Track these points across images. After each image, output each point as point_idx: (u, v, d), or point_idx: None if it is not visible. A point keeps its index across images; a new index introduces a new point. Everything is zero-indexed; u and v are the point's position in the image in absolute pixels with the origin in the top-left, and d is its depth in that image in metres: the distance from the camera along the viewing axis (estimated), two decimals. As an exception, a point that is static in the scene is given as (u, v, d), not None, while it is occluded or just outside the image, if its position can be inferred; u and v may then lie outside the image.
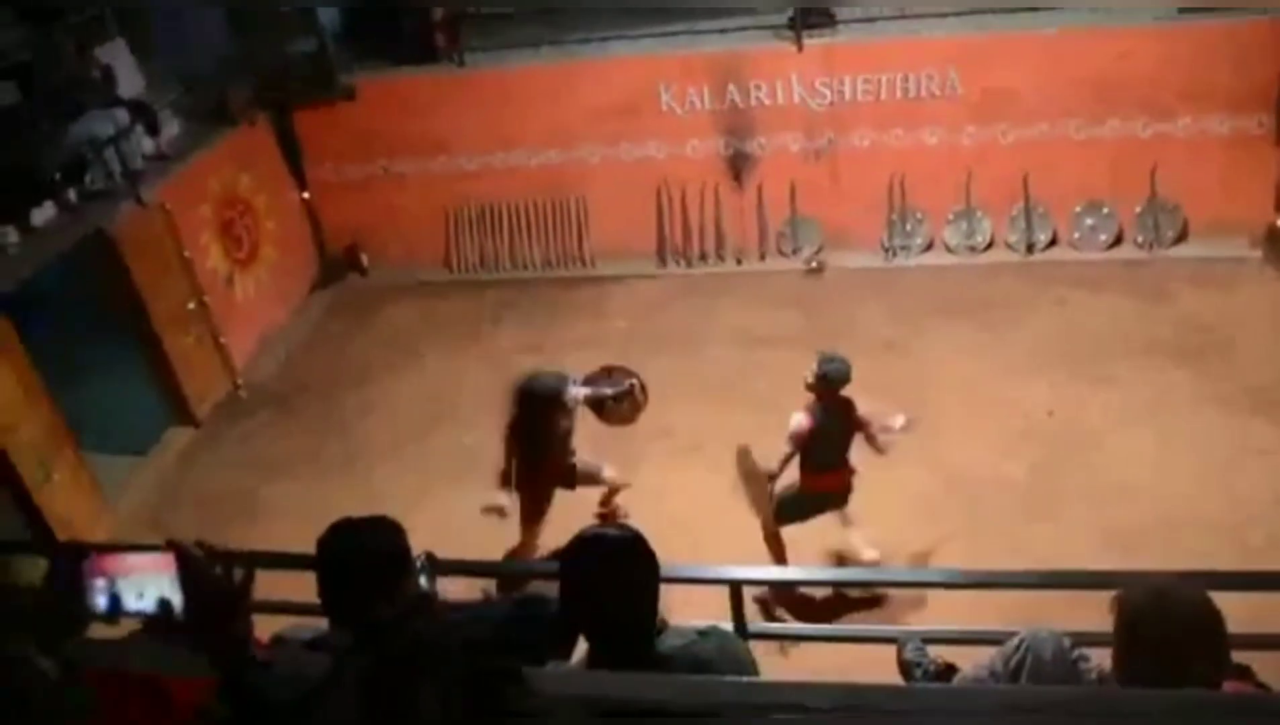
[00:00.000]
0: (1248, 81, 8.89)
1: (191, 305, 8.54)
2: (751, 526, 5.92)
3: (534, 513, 6.01)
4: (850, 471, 5.84)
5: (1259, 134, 9.00)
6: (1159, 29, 8.96)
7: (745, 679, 2.19)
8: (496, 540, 5.93)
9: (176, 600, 1.76)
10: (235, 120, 9.44)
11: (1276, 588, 3.82)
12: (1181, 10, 8.96)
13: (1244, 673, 2.43)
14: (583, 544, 2.28)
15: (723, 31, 9.63)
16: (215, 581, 1.78)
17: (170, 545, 1.78)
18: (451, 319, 9.73)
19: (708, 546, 6.00)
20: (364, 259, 10.60)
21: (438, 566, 3.18)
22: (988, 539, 6.30)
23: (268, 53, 9.58)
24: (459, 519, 6.18)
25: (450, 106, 9.87)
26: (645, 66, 9.57)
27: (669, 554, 2.41)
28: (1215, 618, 2.30)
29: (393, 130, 10.05)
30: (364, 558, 2.33)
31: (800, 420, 5.53)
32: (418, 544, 2.51)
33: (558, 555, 2.34)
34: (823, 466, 5.70)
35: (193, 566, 1.77)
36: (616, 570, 2.22)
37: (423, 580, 2.84)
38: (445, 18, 9.79)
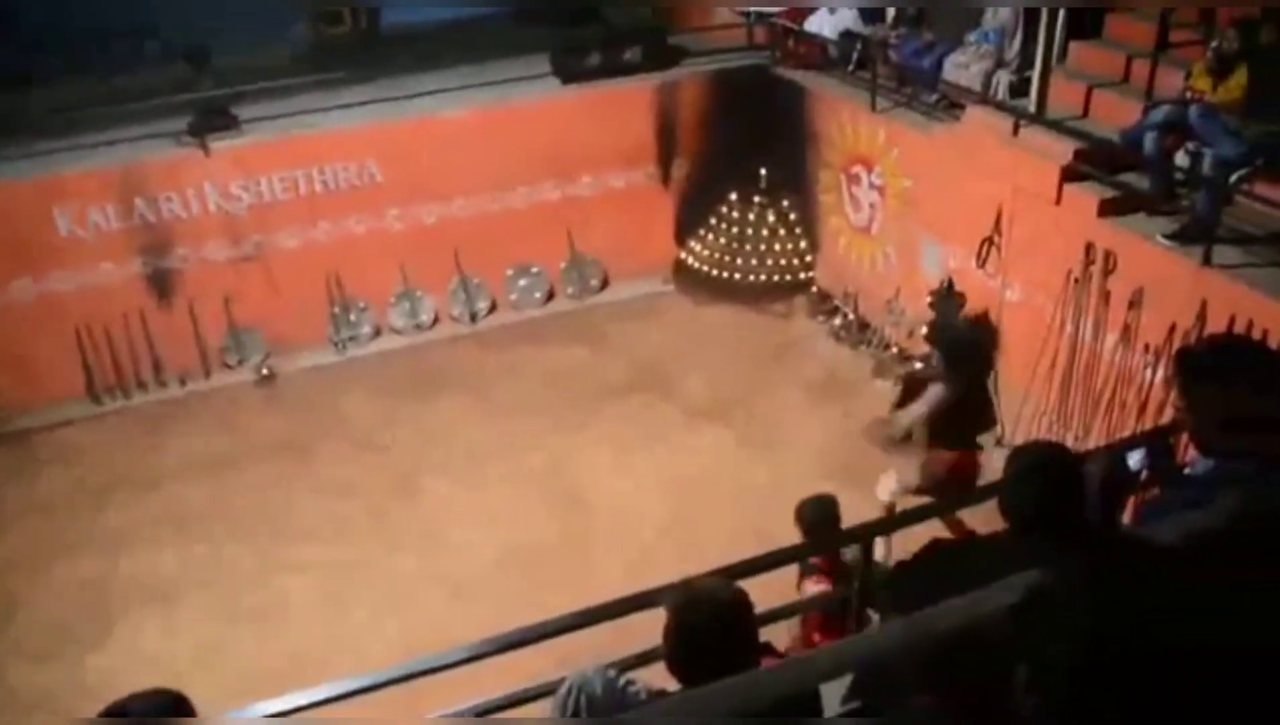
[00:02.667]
0: (633, 139, 10.72)
1: None
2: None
3: None
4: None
5: (648, 184, 10.88)
6: (550, 101, 10.51)
7: None
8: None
9: None
10: None
11: (780, 565, 4.45)
12: (565, 82, 10.64)
13: (769, 649, 2.91)
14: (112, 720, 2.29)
15: (119, 143, 9.73)
16: None
17: None
18: None
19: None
20: None
21: None
22: (525, 600, 6.60)
23: None
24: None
25: None
26: (30, 190, 9.26)
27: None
28: (745, 604, 2.67)
29: None
30: None
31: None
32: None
33: None
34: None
35: None
36: None
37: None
38: None
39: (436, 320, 10.62)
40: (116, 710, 2.29)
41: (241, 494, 8.48)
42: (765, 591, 3.80)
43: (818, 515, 5.50)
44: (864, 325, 9.85)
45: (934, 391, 6.34)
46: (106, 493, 8.63)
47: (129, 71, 11.03)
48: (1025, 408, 7.84)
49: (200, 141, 9.71)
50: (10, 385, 9.68)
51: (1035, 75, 8.02)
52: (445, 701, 4.73)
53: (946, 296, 7.99)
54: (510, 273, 10.72)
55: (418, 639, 6.37)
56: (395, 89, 10.48)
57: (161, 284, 9.93)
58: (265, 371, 10.08)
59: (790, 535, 5.48)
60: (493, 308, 10.76)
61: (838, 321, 10.06)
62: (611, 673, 3.06)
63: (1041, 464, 2.75)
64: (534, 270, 10.77)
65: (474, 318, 10.64)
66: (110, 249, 9.70)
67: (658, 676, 3.11)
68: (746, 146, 10.46)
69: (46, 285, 9.62)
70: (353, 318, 10.36)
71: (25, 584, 7.68)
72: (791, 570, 4.74)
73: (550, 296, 10.89)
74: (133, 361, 9.98)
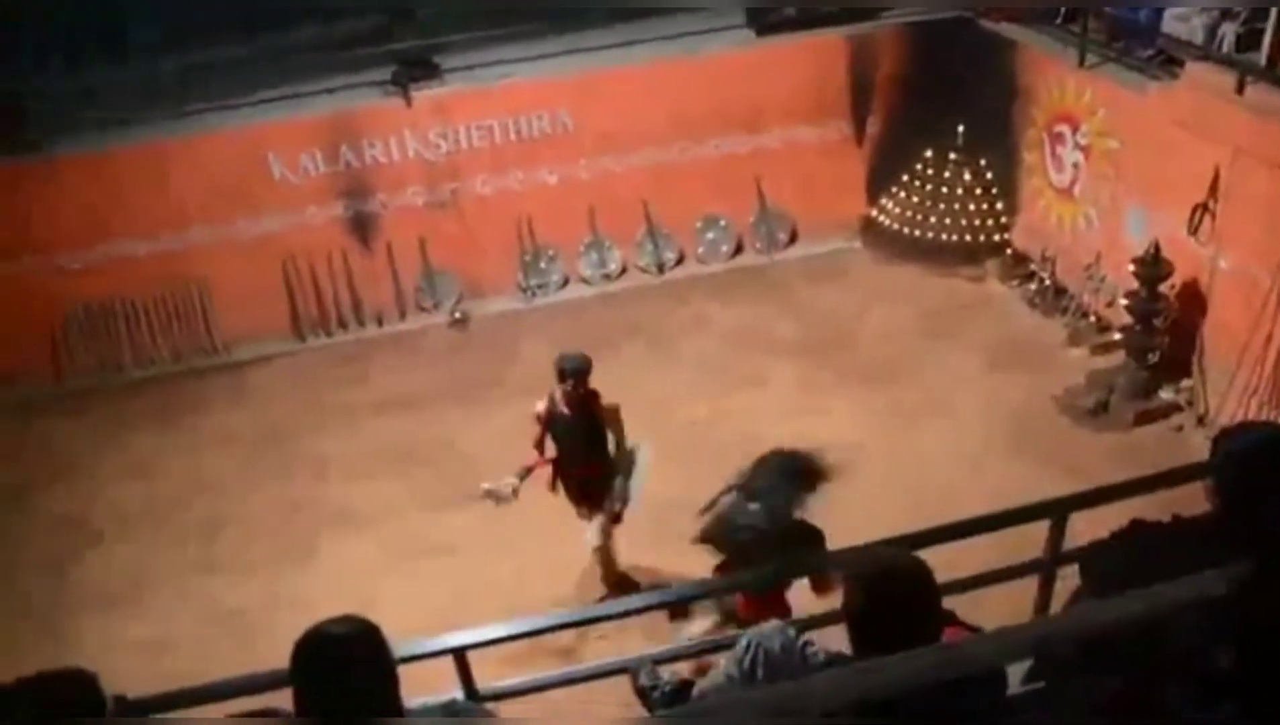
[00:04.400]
0: (826, 93, 10.56)
1: None
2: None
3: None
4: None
5: (841, 138, 10.71)
6: (742, 53, 10.44)
7: None
8: (193, 664, 5.79)
9: None
10: None
11: (963, 536, 4.43)
12: (759, 34, 10.56)
13: (953, 619, 2.82)
14: (310, 643, 2.39)
15: (328, 92, 10.18)
16: None
17: None
18: (70, 435, 9.36)
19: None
20: (-46, 382, 10.21)
21: (131, 709, 3.28)
22: (687, 553, 6.73)
23: None
24: (138, 647, 6.51)
25: (36, 200, 9.59)
26: (251, 136, 9.86)
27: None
28: (930, 575, 2.59)
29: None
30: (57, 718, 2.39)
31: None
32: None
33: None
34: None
35: None
36: (351, 666, 2.35)
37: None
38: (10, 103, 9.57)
39: (624, 270, 10.77)
40: (316, 632, 2.41)
41: (427, 432, 8.77)
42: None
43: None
44: (1060, 291, 9.48)
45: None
46: (306, 425, 9.11)
47: (334, 22, 11.39)
48: (1233, 386, 7.44)
49: (403, 91, 10.05)
50: (228, 318, 10.35)
51: (1269, 26, 7.47)
52: (614, 650, 4.85)
53: (1152, 262, 7.67)
54: (699, 225, 10.76)
55: (581, 583, 6.58)
56: (589, 40, 10.56)
57: (362, 227, 10.39)
58: (458, 315, 10.44)
59: (965, 507, 5.36)
60: (680, 259, 10.84)
61: (1032, 286, 9.71)
62: (791, 632, 3.08)
63: (1253, 448, 2.64)
64: (722, 223, 10.78)
65: (661, 269, 10.75)
66: (317, 193, 10.19)
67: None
68: (945, 102, 10.14)
69: (261, 226, 10.19)
70: (542, 265, 10.61)
71: (228, 506, 8.21)
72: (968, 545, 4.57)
73: (738, 250, 10.88)
74: (335, 301, 10.50)
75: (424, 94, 10.09)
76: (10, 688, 2.41)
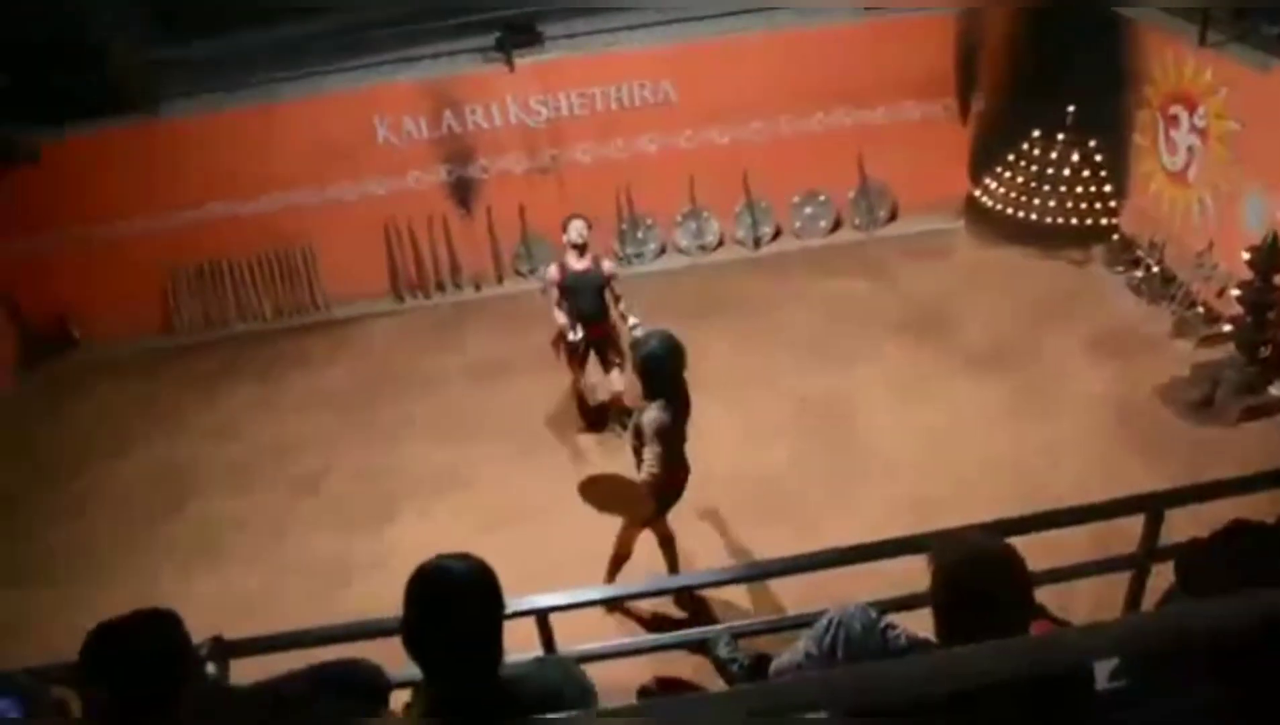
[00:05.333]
0: (931, 70, 10.34)
1: None
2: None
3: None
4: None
5: (946, 116, 10.52)
6: (849, 26, 10.24)
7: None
8: (280, 615, 5.93)
9: None
10: None
11: (1056, 526, 4.33)
12: (866, 8, 10.37)
13: (1042, 612, 2.85)
14: (429, 575, 2.43)
15: (433, 58, 10.32)
16: None
17: None
18: (178, 385, 9.75)
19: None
20: (75, 331, 10.65)
21: (227, 649, 3.38)
22: (776, 528, 6.74)
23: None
24: (228, 596, 6.67)
25: (150, 160, 9.93)
26: (356, 100, 10.07)
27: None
28: (1021, 565, 2.57)
29: (87, 191, 9.93)
30: (138, 660, 2.43)
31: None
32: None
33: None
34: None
35: None
36: (466, 600, 2.40)
37: (210, 667, 3.04)
38: (132, 65, 9.86)
39: (720, 242, 10.74)
40: (434, 565, 2.47)
41: (518, 397, 8.81)
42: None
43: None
44: (1168, 279, 9.18)
45: (650, 421, 5.50)
46: (399, 385, 9.29)
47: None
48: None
49: (506, 57, 10.12)
50: (330, 278, 10.60)
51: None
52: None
53: (1269, 251, 7.40)
54: (797, 200, 10.67)
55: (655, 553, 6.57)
56: (693, 9, 10.48)
57: (463, 192, 10.52)
58: (552, 281, 10.50)
59: (1060, 496, 5.24)
60: (777, 233, 10.77)
61: (1139, 273, 9.42)
62: (873, 613, 3.06)
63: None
64: (821, 198, 10.67)
65: (758, 243, 10.69)
66: (419, 157, 10.35)
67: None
68: (1054, 80, 9.84)
69: (364, 189, 10.40)
70: (639, 235, 10.64)
71: (322, 461, 8.37)
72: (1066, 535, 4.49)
73: (836, 226, 10.77)
74: (434, 264, 10.66)
75: (527, 61, 10.14)
76: (97, 629, 2.50)
